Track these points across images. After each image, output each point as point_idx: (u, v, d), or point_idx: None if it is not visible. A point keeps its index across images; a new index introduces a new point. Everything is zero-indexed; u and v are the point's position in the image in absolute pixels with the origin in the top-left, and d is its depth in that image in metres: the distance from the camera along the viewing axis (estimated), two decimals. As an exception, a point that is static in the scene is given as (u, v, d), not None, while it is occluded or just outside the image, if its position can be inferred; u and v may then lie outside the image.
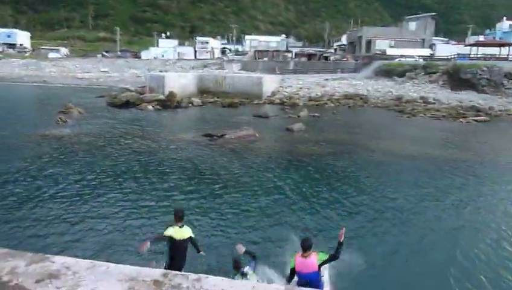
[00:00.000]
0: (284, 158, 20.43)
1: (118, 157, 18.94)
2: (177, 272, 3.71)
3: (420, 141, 27.23)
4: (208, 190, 14.65)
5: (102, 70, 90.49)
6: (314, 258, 6.49)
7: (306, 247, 6.45)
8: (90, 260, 3.87)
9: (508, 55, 66.22)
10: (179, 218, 7.51)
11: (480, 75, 53.93)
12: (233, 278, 6.94)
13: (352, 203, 13.94)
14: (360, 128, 31.83)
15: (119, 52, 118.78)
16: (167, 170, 17.03)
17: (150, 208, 12.74)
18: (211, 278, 3.66)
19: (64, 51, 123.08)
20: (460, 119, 39.66)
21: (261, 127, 30.12)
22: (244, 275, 6.59)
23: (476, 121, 38.98)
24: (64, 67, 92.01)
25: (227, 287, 3.50)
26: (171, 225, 7.52)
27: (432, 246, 11.01)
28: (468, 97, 51.25)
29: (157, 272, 3.71)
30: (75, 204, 12.89)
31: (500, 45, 72.00)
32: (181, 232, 7.39)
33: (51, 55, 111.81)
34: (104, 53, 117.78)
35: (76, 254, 8.99)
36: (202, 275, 3.68)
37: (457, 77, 55.85)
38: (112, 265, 3.80)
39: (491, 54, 67.55)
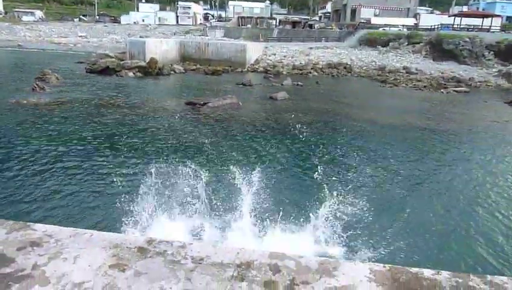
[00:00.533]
0: (268, 127, 20.43)
1: (98, 126, 18.59)
2: (162, 239, 3.71)
3: (402, 110, 27.58)
4: (190, 160, 14.60)
5: (80, 35, 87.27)
6: None
7: None
8: (73, 228, 3.84)
9: (490, 26, 66.61)
10: None
11: (462, 46, 54.29)
12: None
13: (334, 172, 14.16)
14: (343, 98, 31.93)
15: (97, 17, 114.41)
16: (148, 139, 16.85)
17: (130, 177, 12.66)
18: (196, 244, 3.68)
19: (39, 14, 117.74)
20: (442, 90, 40.19)
21: (245, 95, 29.88)
22: None
23: (456, 91, 39.57)
24: (39, 31, 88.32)
25: (211, 253, 3.54)
26: None
27: (412, 206, 11.48)
28: (450, 68, 51.78)
29: (141, 239, 3.71)
30: (55, 172, 12.70)
31: (483, 16, 72.21)
32: None
33: (25, 18, 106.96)
34: (81, 17, 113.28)
35: (59, 222, 8.95)
36: (187, 242, 3.70)
37: (439, 48, 56.11)
38: (95, 232, 3.78)
39: (474, 25, 67.83)
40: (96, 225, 9.35)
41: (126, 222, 8.29)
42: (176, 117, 20.94)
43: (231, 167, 14.07)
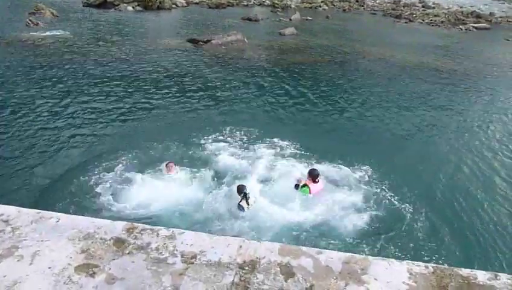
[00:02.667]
0: (275, 65, 19.19)
1: (96, 64, 17.48)
2: (145, 226, 2.97)
3: (417, 48, 25.93)
4: (193, 101, 13.71)
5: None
6: (321, 181, 7.96)
7: (317, 175, 7.82)
8: (37, 210, 3.10)
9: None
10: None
11: (485, -24, 50.26)
12: (239, 203, 7.18)
13: (341, 112, 13.29)
14: (354, 34, 30.05)
15: None
16: (148, 80, 15.82)
17: (129, 119, 11.86)
18: (188, 234, 2.94)
19: None
20: (460, 26, 37.75)
21: (251, 31, 28.13)
22: (245, 195, 7.04)
23: (475, 28, 37.16)
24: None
25: (207, 246, 2.81)
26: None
27: (423, 147, 10.91)
28: (469, 2, 48.47)
29: (119, 227, 2.98)
30: (43, 114, 11.86)
31: None
32: None
33: None
34: None
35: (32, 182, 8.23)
36: (176, 230, 2.96)
37: (460, -22, 52.00)
38: (63, 217, 3.05)
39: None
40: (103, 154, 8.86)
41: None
42: (177, 56, 19.66)
43: (235, 106, 13.25)
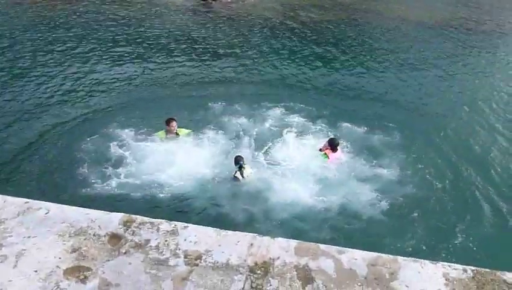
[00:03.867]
0: (289, 24, 18.20)
1: (99, 26, 16.81)
2: (144, 219, 2.65)
3: (446, 3, 24.33)
4: (202, 64, 13.13)
5: None
6: (340, 150, 7.72)
7: (337, 144, 7.60)
8: (25, 200, 2.79)
9: None
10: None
11: None
12: (234, 175, 6.94)
13: (360, 74, 12.61)
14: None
15: None
16: (154, 42, 15.17)
17: (136, 81, 11.37)
18: (192, 228, 2.62)
19: None
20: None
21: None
22: (241, 167, 6.88)
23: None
24: None
25: (214, 244, 2.50)
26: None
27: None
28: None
29: (116, 219, 2.67)
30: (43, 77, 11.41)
31: None
32: None
33: None
34: None
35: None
36: (179, 224, 2.64)
37: None
38: (53, 207, 2.75)
39: None
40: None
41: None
42: (184, 16, 18.80)
43: (246, 68, 12.71)
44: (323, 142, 7.88)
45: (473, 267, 2.39)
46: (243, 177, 6.87)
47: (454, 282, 2.27)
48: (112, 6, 19.64)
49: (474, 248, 5.82)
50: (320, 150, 7.70)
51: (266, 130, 8.75)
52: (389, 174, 7.29)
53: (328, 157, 7.51)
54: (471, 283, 2.28)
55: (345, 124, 9.03)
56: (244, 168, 6.89)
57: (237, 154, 7.12)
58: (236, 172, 6.89)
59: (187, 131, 8.16)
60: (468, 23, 19.90)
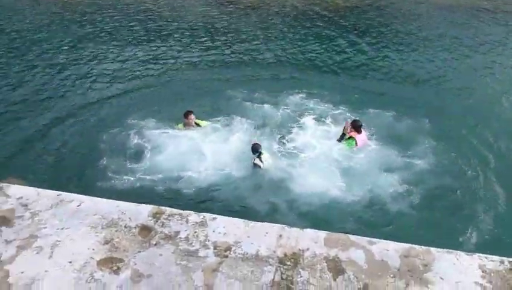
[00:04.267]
0: (310, 11, 17.95)
1: (117, 17, 16.93)
2: (173, 210, 2.68)
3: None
4: (221, 51, 13.06)
5: None
6: (364, 132, 7.55)
7: (361, 125, 7.42)
8: (57, 192, 2.86)
9: None
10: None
11: None
12: (254, 162, 6.90)
13: (386, 62, 12.28)
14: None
15: None
16: (173, 32, 15.18)
17: (152, 75, 11.44)
18: (220, 220, 2.63)
19: None
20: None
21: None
22: (260, 154, 6.91)
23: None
24: None
25: (242, 235, 2.50)
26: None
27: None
28: None
29: (145, 211, 2.70)
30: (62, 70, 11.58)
31: None
32: None
33: None
34: None
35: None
36: (207, 216, 2.65)
37: None
38: (85, 199, 2.81)
39: None
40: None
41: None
42: (202, 8, 18.77)
43: (266, 58, 12.62)
44: (341, 128, 7.62)
45: (510, 259, 2.31)
46: (262, 162, 6.89)
47: (492, 274, 2.20)
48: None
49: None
50: (343, 134, 7.39)
51: (288, 117, 8.59)
52: (420, 163, 7.06)
53: (355, 141, 7.30)
54: (509, 275, 2.20)
55: (371, 110, 8.78)
56: (262, 154, 6.92)
57: (255, 142, 7.11)
58: (255, 159, 6.90)
59: (206, 123, 8.11)
60: (505, 5, 19.05)
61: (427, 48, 13.49)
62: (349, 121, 7.54)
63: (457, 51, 13.23)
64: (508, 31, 15.31)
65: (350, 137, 7.31)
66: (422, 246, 2.40)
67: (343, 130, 7.39)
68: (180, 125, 8.03)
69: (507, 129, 8.34)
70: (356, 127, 7.37)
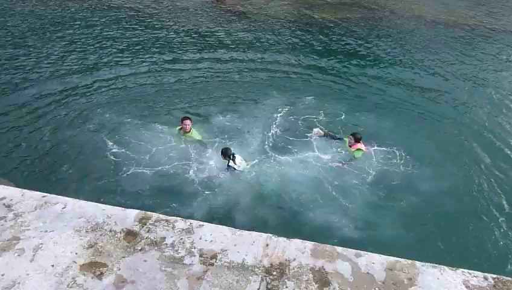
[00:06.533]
0: (300, 22, 18.12)
1: (111, 22, 16.90)
2: (160, 216, 2.65)
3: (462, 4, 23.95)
4: (215, 61, 13.12)
5: None
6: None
7: (361, 138, 7.68)
8: (42, 194, 2.81)
9: None
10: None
11: None
12: (228, 164, 7.00)
13: (373, 76, 12.46)
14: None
15: None
16: (168, 38, 15.21)
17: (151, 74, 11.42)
18: (207, 227, 2.61)
19: None
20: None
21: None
22: (233, 156, 7.01)
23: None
24: None
25: (229, 243, 2.48)
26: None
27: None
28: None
29: (132, 215, 2.67)
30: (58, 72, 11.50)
31: None
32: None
33: None
34: None
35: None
36: (194, 223, 2.63)
37: None
38: (69, 202, 2.76)
39: None
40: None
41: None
42: (198, 13, 18.80)
43: (256, 67, 12.69)
44: (339, 142, 7.84)
45: (494, 275, 2.34)
46: (236, 164, 6.95)
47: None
48: (118, 1, 19.72)
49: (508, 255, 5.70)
50: (350, 146, 7.65)
51: (279, 125, 8.68)
52: (418, 172, 7.16)
53: (361, 150, 7.61)
54: (492, 291, 2.22)
55: (363, 117, 8.94)
56: (235, 157, 6.99)
57: (224, 147, 7.18)
58: (229, 162, 6.95)
59: (199, 136, 8.07)
60: (491, 21, 19.47)
61: (416, 61, 13.74)
62: (351, 137, 7.70)
63: (449, 65, 13.49)
64: (501, 48, 15.63)
65: (357, 149, 7.62)
66: (408, 260, 2.42)
67: (348, 142, 7.60)
68: (175, 129, 8.08)
69: (501, 142, 8.56)
70: (357, 138, 7.68)
